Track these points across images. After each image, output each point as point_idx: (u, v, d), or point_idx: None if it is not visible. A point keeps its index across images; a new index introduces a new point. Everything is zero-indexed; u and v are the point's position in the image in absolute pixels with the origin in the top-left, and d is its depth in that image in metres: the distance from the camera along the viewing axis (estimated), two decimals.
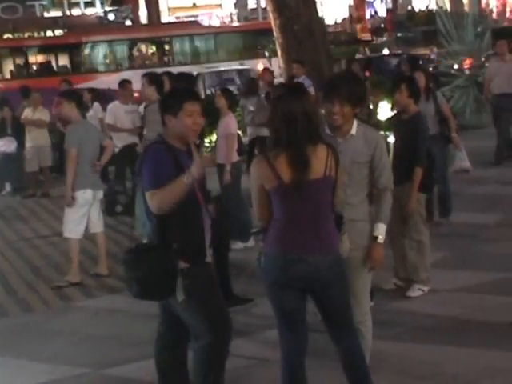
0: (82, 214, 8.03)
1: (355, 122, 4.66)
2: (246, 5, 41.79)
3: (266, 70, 14.93)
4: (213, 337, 4.37)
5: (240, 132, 10.06)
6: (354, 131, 4.63)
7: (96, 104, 12.95)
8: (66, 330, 6.79)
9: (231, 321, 4.51)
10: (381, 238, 4.68)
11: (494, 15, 44.93)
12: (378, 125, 8.11)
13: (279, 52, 14.75)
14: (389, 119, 7.67)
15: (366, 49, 28.38)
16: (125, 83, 11.39)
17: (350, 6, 42.62)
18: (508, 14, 47.97)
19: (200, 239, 4.38)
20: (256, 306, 6.56)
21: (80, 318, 7.09)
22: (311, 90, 11.47)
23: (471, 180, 10.63)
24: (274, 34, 14.70)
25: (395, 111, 7.40)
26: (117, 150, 10.86)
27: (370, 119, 8.80)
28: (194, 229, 4.34)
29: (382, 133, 8.21)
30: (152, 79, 8.93)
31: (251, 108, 11.75)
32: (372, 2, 46.66)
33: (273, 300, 4.32)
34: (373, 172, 4.67)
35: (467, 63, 16.37)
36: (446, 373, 5.15)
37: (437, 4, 41.89)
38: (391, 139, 8.02)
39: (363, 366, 4.40)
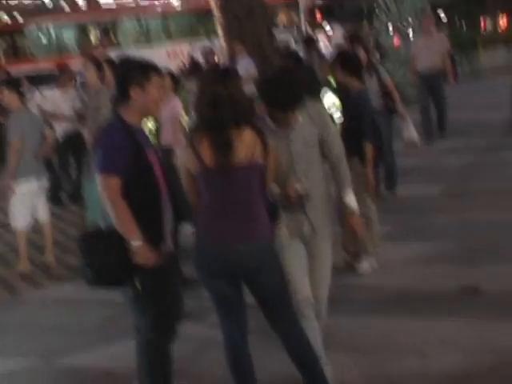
0: (29, 204, 7.91)
1: None
2: None
3: (208, 50, 14.85)
4: (155, 335, 4.34)
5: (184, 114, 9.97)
6: (300, 117, 4.52)
7: (34, 91, 12.72)
8: (14, 323, 6.68)
9: (179, 317, 4.48)
10: (357, 210, 4.69)
11: None
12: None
13: (220, 32, 14.65)
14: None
15: (312, 31, 28.25)
16: (64, 69, 11.19)
17: None
18: None
19: (158, 225, 4.28)
20: None
21: (28, 310, 6.98)
22: (253, 69, 11.44)
23: (414, 152, 10.73)
24: (215, 13, 14.60)
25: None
26: (60, 138, 10.72)
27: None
28: (152, 214, 4.25)
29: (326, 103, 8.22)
30: (94, 62, 8.78)
31: (195, 90, 11.64)
32: None
33: (206, 288, 4.27)
34: (323, 146, 4.61)
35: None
36: (400, 345, 5.18)
37: None
38: (336, 115, 8.04)
39: (308, 351, 4.31)
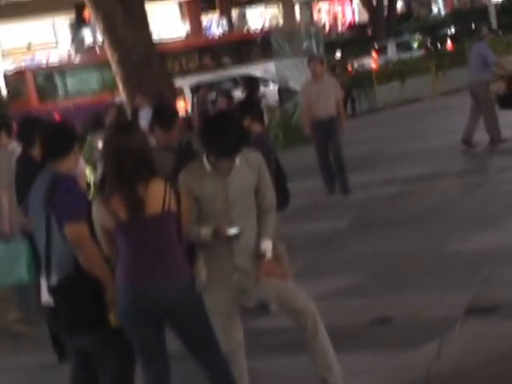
0: None
1: None
2: (83, 41, 41.21)
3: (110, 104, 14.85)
4: (125, 372, 4.50)
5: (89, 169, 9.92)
6: (237, 161, 4.50)
7: None
8: None
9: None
10: (269, 255, 4.61)
11: (327, 29, 46.65)
12: None
13: (120, 85, 14.72)
14: None
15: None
16: None
17: (187, 32, 42.92)
18: (340, 27, 49.89)
19: None
20: None
21: None
22: None
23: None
24: (113, 68, 14.66)
25: None
26: None
27: None
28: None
29: None
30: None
31: (100, 143, 11.58)
32: (209, 27, 47.16)
33: (127, 333, 4.29)
34: (257, 194, 4.62)
35: None
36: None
37: (270, 23, 42.89)
38: None
39: None
